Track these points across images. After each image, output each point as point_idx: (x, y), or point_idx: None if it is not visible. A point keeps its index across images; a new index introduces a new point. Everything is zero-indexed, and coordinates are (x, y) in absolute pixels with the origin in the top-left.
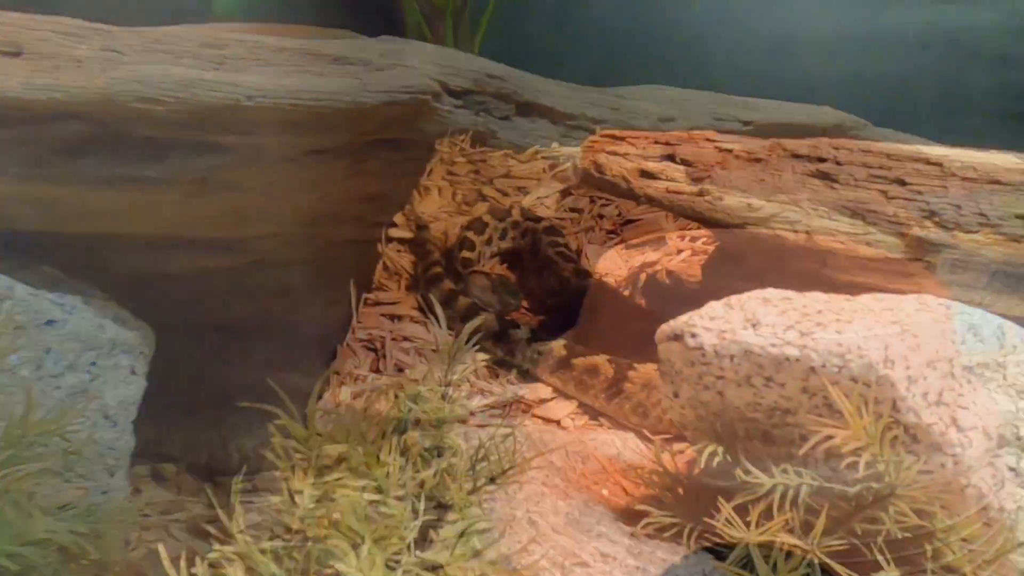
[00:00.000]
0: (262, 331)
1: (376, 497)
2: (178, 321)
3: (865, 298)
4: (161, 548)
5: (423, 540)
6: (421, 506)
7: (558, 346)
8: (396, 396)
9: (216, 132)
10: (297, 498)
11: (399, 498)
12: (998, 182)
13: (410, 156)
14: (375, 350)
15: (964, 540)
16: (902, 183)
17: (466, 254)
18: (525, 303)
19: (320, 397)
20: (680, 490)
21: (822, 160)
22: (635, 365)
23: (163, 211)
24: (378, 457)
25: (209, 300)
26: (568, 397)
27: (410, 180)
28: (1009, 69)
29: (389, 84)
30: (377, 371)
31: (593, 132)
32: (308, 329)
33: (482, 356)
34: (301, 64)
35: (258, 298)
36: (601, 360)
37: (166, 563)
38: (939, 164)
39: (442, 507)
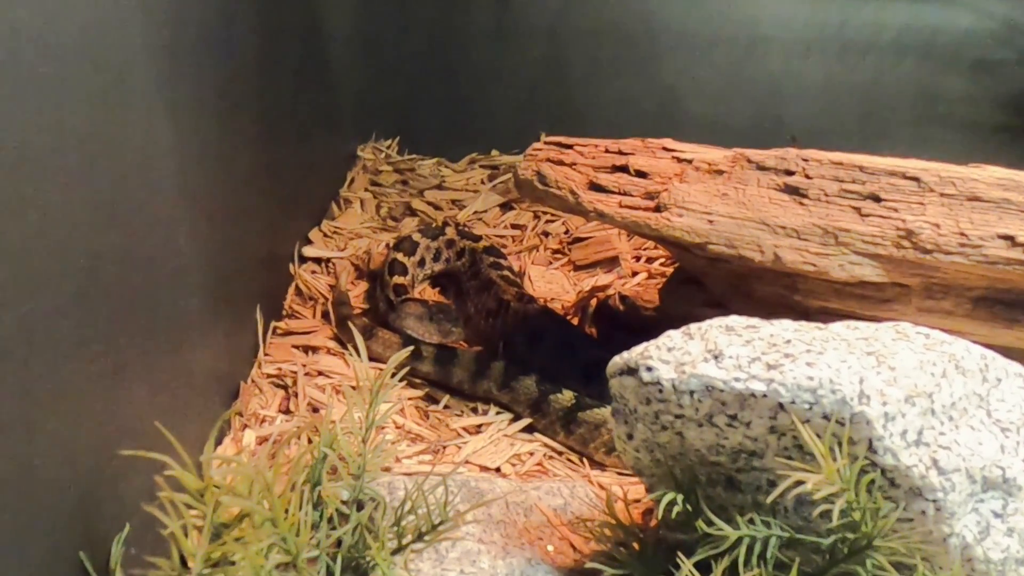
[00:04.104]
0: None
1: (284, 559)
2: None
3: (838, 326)
4: None
5: None
6: (337, 568)
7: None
8: (309, 440)
9: None
10: (189, 562)
11: (311, 560)
12: (979, 199)
13: None
14: (285, 387)
15: None
16: (877, 199)
17: (398, 279)
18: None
19: (219, 443)
20: (635, 545)
21: (790, 173)
22: None
23: None
24: (287, 512)
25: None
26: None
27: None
28: (988, 76)
29: None
30: (287, 411)
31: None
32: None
33: (410, 394)
34: None
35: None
36: None
37: None
38: (916, 179)
39: (362, 569)
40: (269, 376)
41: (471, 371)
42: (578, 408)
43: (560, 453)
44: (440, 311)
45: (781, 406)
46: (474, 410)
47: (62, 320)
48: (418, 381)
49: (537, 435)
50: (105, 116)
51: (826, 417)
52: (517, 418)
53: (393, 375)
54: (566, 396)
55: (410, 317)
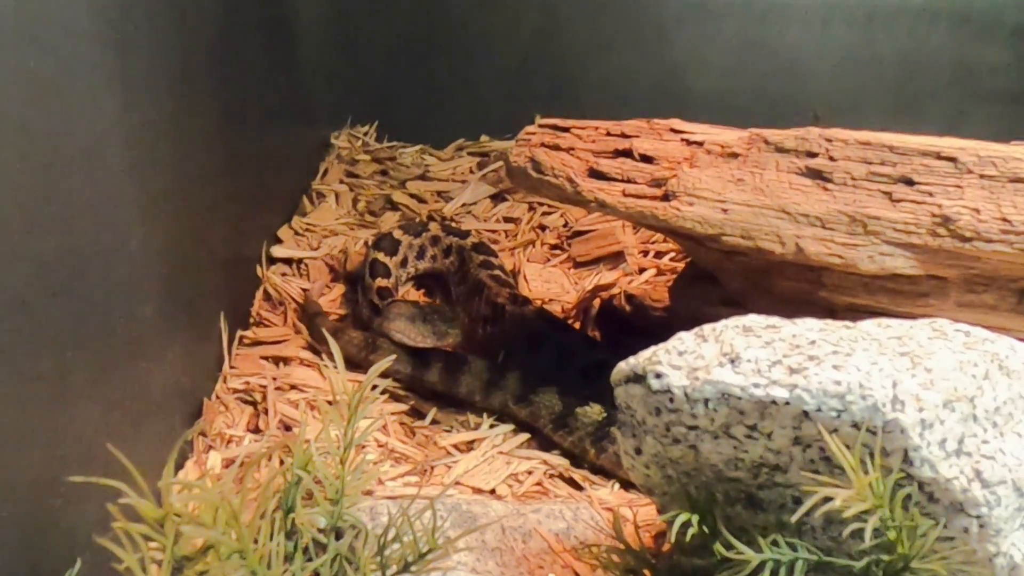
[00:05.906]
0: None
1: None
2: None
3: (867, 325)
4: None
5: None
6: None
7: None
8: (281, 462)
9: None
10: None
11: None
12: (1023, 180)
13: None
14: (254, 403)
15: None
16: (909, 182)
17: (381, 282)
18: None
19: (180, 466)
20: (647, 572)
21: (812, 155)
22: None
23: None
24: (256, 542)
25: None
26: None
27: None
28: None
29: None
30: (256, 430)
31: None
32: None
33: (393, 408)
34: None
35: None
36: None
37: None
38: (952, 159)
39: None
40: (236, 391)
41: (484, 381)
42: (609, 423)
43: (561, 475)
44: (434, 311)
45: (806, 414)
46: (464, 424)
47: (1, 333)
48: (403, 394)
49: (534, 451)
50: (46, 103)
51: (856, 426)
52: (516, 432)
53: (374, 387)
54: (594, 410)
55: (400, 319)
